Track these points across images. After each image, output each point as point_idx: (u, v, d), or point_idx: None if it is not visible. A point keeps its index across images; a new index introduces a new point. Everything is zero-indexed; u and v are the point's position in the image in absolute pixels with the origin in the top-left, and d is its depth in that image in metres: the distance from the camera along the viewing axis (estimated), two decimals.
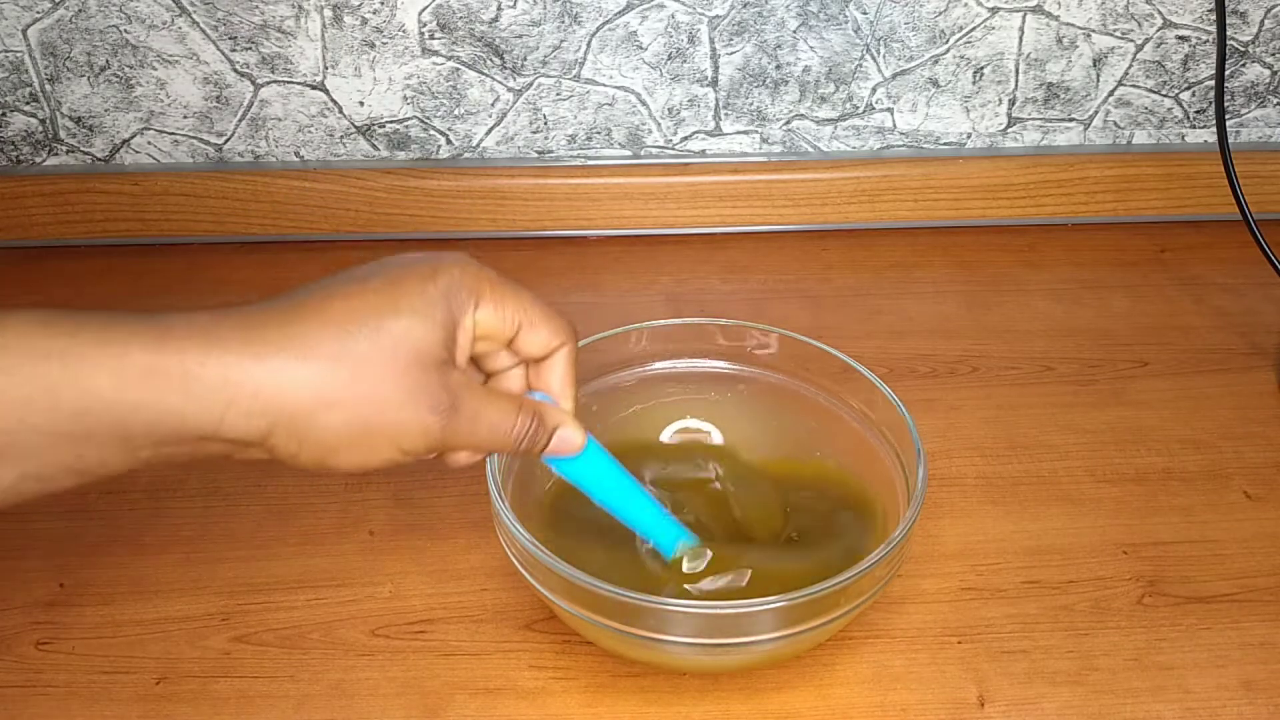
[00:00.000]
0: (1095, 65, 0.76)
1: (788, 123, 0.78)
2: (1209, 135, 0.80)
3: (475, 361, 0.45)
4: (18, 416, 0.35)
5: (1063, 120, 0.79)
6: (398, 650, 0.51)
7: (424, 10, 0.71)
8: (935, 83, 0.76)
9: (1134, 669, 0.51)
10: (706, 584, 0.49)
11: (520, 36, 0.73)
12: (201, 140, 0.76)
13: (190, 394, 0.37)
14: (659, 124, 0.77)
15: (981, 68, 0.76)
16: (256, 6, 0.71)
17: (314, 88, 0.74)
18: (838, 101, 0.77)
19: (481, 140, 0.77)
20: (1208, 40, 0.75)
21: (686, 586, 0.49)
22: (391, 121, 0.76)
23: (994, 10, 0.73)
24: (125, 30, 0.71)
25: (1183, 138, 0.80)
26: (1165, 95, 0.78)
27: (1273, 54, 0.76)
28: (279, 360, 0.37)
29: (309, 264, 0.76)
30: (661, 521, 0.49)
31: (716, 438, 0.59)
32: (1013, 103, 0.78)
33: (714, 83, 0.75)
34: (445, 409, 0.40)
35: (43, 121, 0.75)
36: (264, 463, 0.60)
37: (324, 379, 0.38)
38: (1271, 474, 0.61)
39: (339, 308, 0.39)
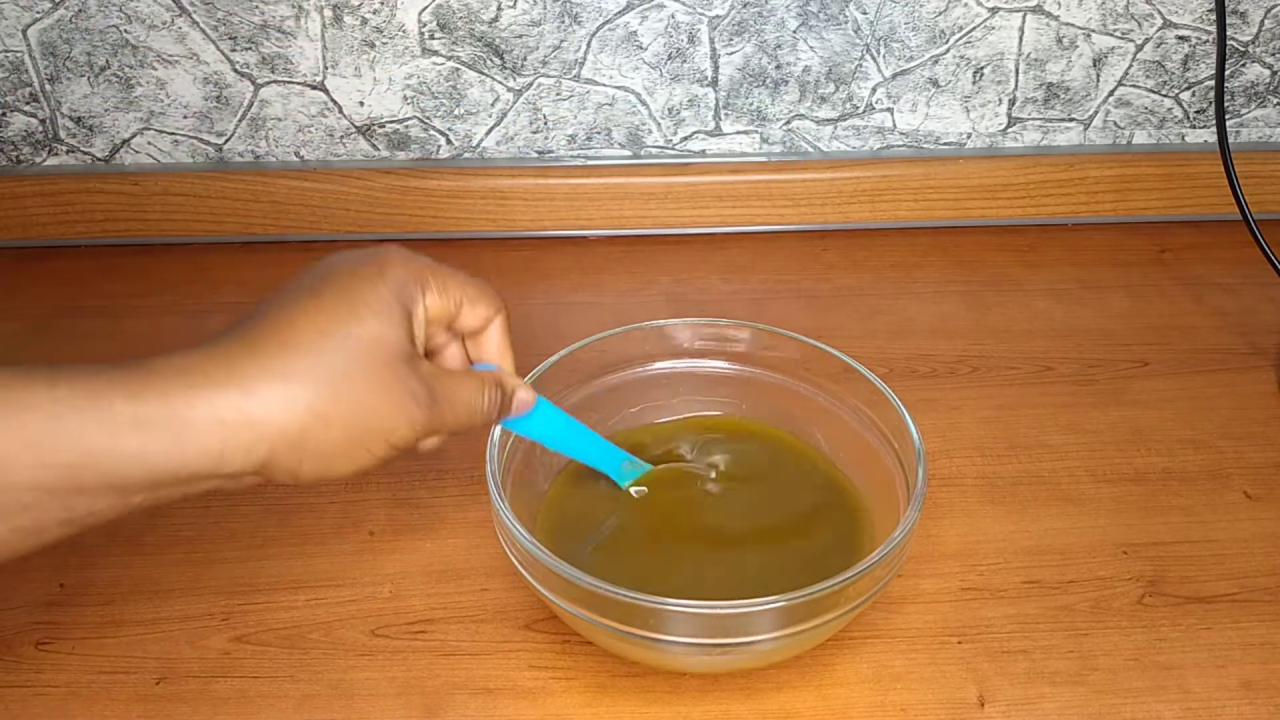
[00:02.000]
0: (1095, 65, 0.76)
1: (788, 123, 0.78)
2: (1209, 135, 0.80)
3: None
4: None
5: (1063, 120, 0.79)
6: (398, 650, 0.51)
7: (424, 10, 0.71)
8: (935, 83, 0.76)
9: (1134, 669, 0.51)
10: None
11: (520, 36, 0.73)
12: (201, 140, 0.76)
13: (185, 439, 0.37)
14: (659, 124, 0.77)
15: (981, 68, 0.76)
16: (256, 6, 0.71)
17: (314, 88, 0.74)
18: (838, 101, 0.77)
19: (481, 140, 0.77)
20: (1208, 40, 0.75)
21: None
22: (391, 121, 0.76)
23: (994, 10, 0.73)
24: (125, 30, 0.71)
25: (1183, 138, 0.80)
26: (1165, 95, 0.78)
27: (1273, 54, 0.76)
28: (265, 390, 0.38)
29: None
30: (610, 454, 0.54)
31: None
32: (1013, 103, 0.78)
33: (714, 83, 0.75)
34: (424, 399, 0.42)
35: (43, 121, 0.75)
36: None
37: (311, 399, 0.39)
38: (1271, 474, 0.61)
39: (305, 327, 0.40)
